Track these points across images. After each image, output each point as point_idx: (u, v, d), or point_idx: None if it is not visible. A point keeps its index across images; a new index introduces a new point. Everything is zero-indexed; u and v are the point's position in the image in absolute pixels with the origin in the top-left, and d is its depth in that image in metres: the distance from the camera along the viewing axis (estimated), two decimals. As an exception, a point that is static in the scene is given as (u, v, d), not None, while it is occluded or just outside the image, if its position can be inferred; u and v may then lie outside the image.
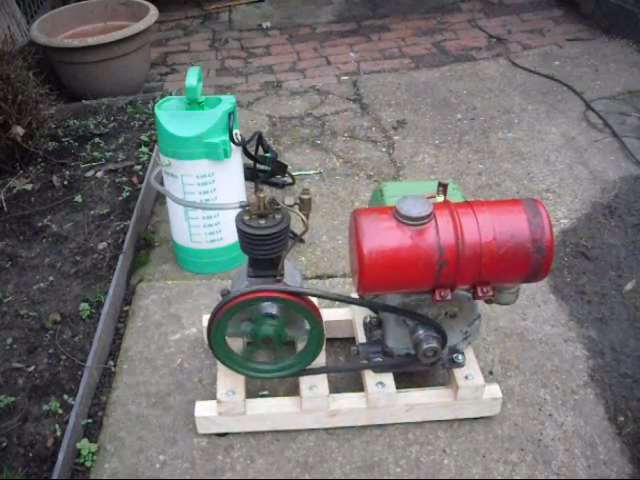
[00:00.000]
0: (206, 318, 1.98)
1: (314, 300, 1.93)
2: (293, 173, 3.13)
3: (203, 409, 1.98)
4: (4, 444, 1.93)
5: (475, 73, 4.01)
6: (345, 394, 2.03)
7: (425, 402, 1.99)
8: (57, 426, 1.95)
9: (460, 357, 1.97)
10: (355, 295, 2.07)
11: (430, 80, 3.97)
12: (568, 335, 2.30)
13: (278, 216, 1.82)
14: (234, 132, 2.38)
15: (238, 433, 2.00)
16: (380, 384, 1.97)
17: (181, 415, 2.07)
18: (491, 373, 2.16)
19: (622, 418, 2.03)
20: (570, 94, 3.71)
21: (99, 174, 3.03)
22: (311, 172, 3.20)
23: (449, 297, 1.73)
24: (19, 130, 2.91)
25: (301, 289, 1.88)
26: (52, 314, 2.33)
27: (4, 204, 2.86)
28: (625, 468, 1.90)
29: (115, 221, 2.74)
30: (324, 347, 1.98)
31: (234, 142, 2.39)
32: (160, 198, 3.03)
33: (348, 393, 2.03)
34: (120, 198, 2.87)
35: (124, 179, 2.98)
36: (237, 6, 5.26)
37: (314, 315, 1.85)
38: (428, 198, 1.74)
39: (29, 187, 2.97)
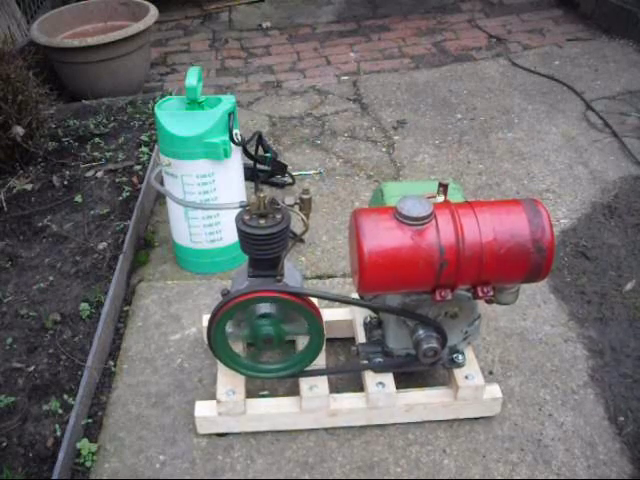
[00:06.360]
0: (206, 318, 1.98)
1: (314, 300, 1.93)
2: (293, 173, 3.13)
3: (203, 409, 1.98)
4: (4, 444, 1.92)
5: (475, 73, 4.01)
6: (345, 394, 2.03)
7: (425, 402, 1.99)
8: (57, 426, 1.95)
9: (460, 357, 1.97)
10: (355, 295, 2.07)
11: (430, 80, 3.97)
12: (568, 335, 2.30)
13: (278, 216, 1.82)
14: (234, 132, 2.38)
15: (238, 433, 2.00)
16: (380, 384, 1.97)
17: (181, 415, 2.07)
18: (491, 373, 2.16)
19: (622, 418, 2.03)
20: (570, 94, 3.71)
21: (99, 174, 3.03)
22: (311, 172, 3.20)
23: (449, 297, 1.73)
24: (19, 130, 2.91)
25: (301, 289, 1.88)
26: (52, 314, 2.33)
27: (4, 204, 2.86)
28: (625, 468, 1.90)
29: (115, 221, 2.74)
30: (324, 347, 1.99)
31: (234, 142, 2.39)
32: (160, 198, 3.03)
33: (348, 393, 2.03)
34: (120, 198, 2.87)
35: (124, 179, 2.98)
36: (237, 6, 5.26)
37: (314, 315, 1.85)
38: (428, 198, 1.74)
39: (29, 187, 2.97)
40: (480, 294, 1.74)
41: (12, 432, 1.96)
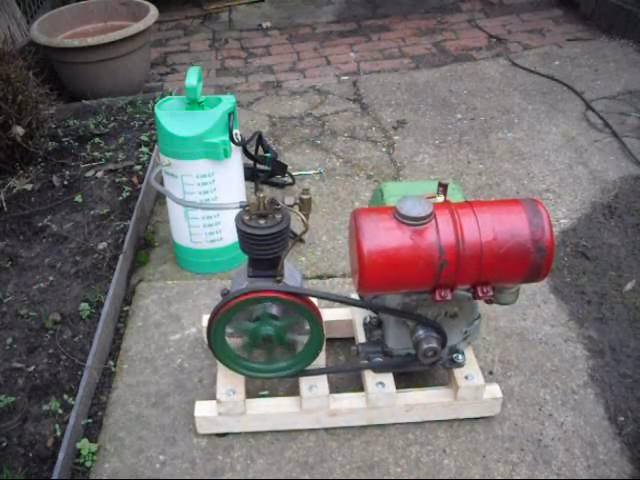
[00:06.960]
0: (206, 318, 1.98)
1: (314, 300, 1.93)
2: (293, 173, 3.13)
3: (203, 409, 1.98)
4: (4, 444, 1.93)
5: (475, 73, 4.01)
6: (345, 394, 2.03)
7: (425, 402, 1.99)
8: (57, 426, 1.96)
9: (460, 357, 1.97)
10: (355, 295, 2.07)
11: (430, 80, 3.97)
12: (568, 335, 2.30)
13: (278, 216, 1.82)
14: (234, 132, 2.38)
15: (238, 433, 2.00)
16: (380, 384, 1.97)
17: (181, 415, 2.07)
18: (491, 373, 2.16)
19: (622, 418, 2.03)
20: (570, 94, 3.71)
21: (99, 174, 3.03)
22: (311, 172, 3.20)
23: (449, 297, 1.73)
24: (19, 130, 2.91)
25: (301, 289, 1.88)
26: (52, 314, 2.33)
27: (4, 204, 2.86)
28: (625, 468, 1.90)
29: (115, 221, 2.74)
30: (324, 347, 1.98)
31: (234, 142, 2.39)
32: (160, 198, 3.03)
33: (348, 393, 2.03)
34: (120, 198, 2.87)
35: (124, 179, 2.98)
36: (237, 6, 5.26)
37: (314, 315, 1.85)
38: (428, 198, 1.74)
39: (29, 187, 2.97)
40: (480, 294, 1.74)
41: (12, 432, 1.96)
